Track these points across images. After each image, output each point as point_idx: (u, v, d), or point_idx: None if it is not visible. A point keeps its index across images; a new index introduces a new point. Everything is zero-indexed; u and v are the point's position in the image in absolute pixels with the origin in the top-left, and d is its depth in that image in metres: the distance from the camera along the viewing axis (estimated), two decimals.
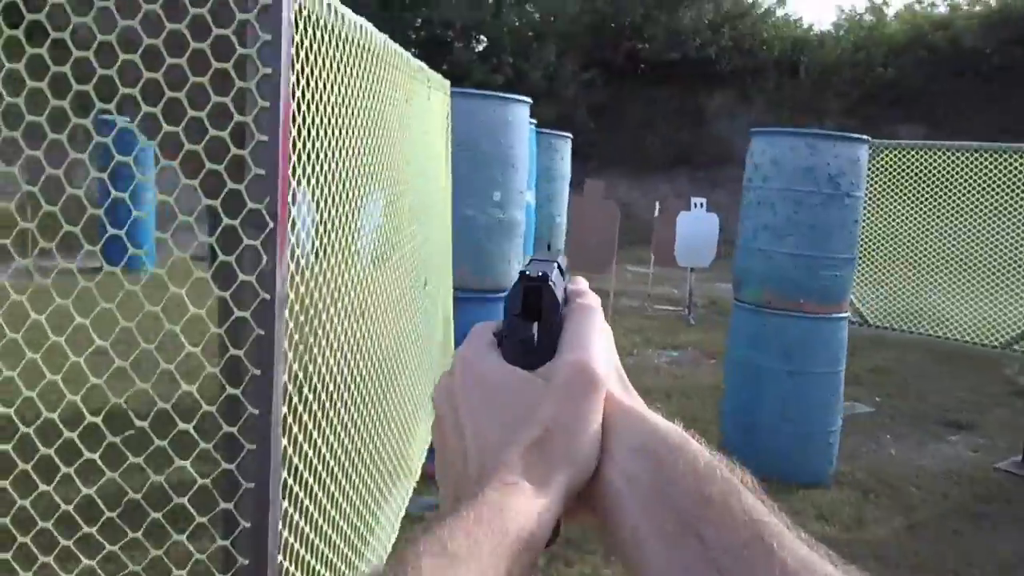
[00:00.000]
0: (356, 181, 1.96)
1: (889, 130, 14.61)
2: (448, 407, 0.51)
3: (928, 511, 4.57)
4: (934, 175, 6.27)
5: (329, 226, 1.83)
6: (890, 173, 6.38)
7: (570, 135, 6.15)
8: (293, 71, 1.31)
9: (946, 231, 6.36)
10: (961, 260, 6.32)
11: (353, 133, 1.91)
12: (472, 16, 19.21)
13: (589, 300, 0.54)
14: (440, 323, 3.24)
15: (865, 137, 4.29)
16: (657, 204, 10.89)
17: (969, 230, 6.23)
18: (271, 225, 1.26)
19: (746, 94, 18.78)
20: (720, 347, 8.11)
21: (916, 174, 6.46)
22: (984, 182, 5.98)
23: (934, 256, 6.47)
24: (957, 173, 6.05)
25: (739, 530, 0.43)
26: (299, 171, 1.41)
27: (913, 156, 6.35)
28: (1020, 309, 5.84)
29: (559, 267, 0.54)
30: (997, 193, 5.91)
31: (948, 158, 6.08)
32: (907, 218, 6.60)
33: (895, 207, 6.52)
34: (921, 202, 6.39)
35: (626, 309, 9.85)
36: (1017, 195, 5.83)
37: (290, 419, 1.47)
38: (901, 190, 6.41)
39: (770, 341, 4.44)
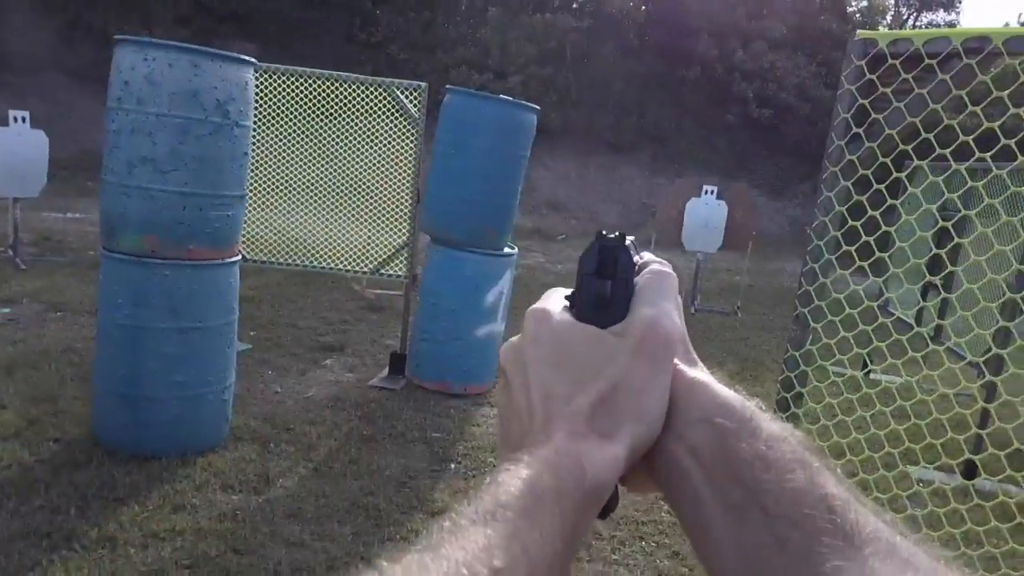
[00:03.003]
0: None
1: (221, 46, 14.27)
2: (516, 365, 0.50)
3: (326, 447, 4.57)
4: (296, 100, 6.06)
5: None
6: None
7: None
8: None
9: (306, 159, 6.34)
10: (320, 188, 6.40)
11: None
12: None
13: (664, 267, 0.52)
14: None
15: (252, 60, 3.79)
16: None
17: (330, 159, 6.32)
18: None
19: None
20: (66, 296, 6.86)
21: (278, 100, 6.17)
22: (351, 110, 5.95)
23: (293, 184, 6.41)
24: (321, 101, 5.97)
25: (802, 500, 0.42)
26: None
27: (290, 83, 6.02)
28: (385, 235, 6.20)
29: (632, 242, 0.52)
30: (364, 121, 5.98)
31: (320, 86, 5.92)
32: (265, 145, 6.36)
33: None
34: (282, 129, 6.19)
35: None
36: (374, 122, 5.99)
37: None
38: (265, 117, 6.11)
39: (155, 296, 3.72)
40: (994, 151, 1.96)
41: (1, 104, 12.81)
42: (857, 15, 26.16)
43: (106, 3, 16.23)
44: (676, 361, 0.48)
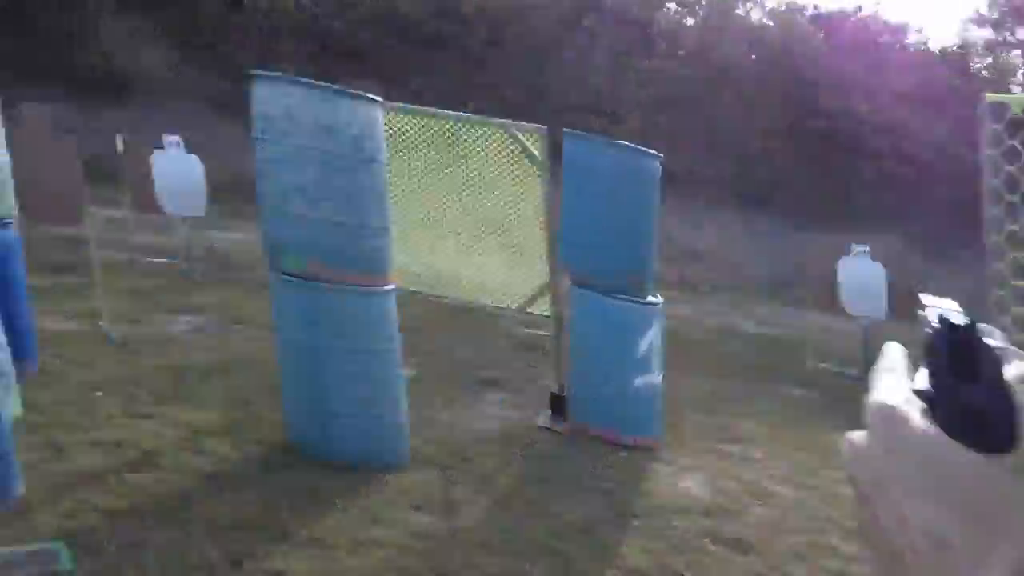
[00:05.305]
0: None
1: (343, 83, 14.63)
2: (871, 478, 0.41)
3: (505, 483, 4.53)
4: (434, 142, 6.04)
5: None
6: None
7: None
8: None
9: (433, 197, 6.31)
10: (451, 226, 6.36)
11: None
12: None
13: None
14: None
15: (379, 98, 3.91)
16: (119, 139, 8.57)
17: (457, 197, 6.26)
18: None
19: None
20: (243, 310, 7.13)
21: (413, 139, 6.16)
22: (474, 151, 5.91)
23: (427, 221, 6.41)
24: (444, 140, 5.94)
25: None
26: None
27: (413, 122, 6.06)
28: (523, 272, 6.16)
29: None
30: (488, 161, 5.90)
31: (441, 126, 5.90)
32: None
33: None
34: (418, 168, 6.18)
35: (114, 263, 7.81)
36: (507, 166, 5.92)
37: None
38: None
39: (325, 317, 3.86)
40: None
41: (148, 133, 13.64)
42: (984, 72, 24.73)
43: (240, 41, 17.15)
44: None
